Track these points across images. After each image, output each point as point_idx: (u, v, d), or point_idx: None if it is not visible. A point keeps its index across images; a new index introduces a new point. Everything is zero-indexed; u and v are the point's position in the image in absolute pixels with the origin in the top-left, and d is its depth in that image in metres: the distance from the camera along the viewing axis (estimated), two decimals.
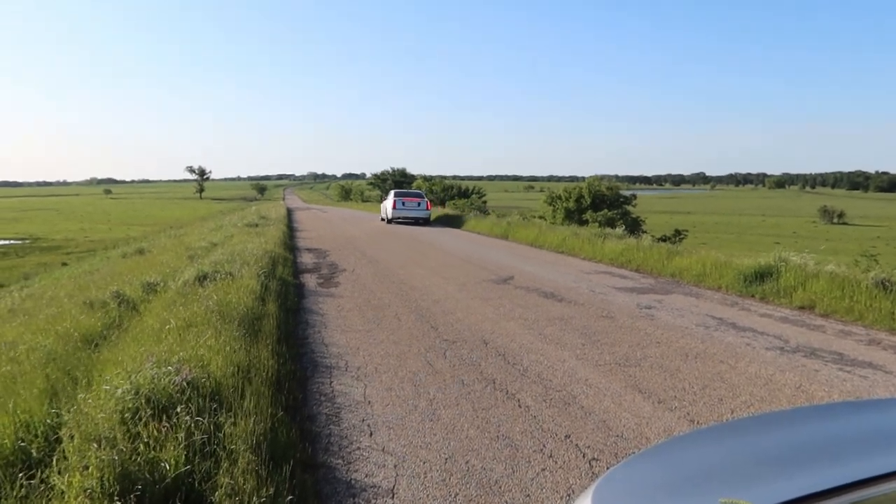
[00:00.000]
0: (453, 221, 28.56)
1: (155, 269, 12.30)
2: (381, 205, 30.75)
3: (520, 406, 5.10)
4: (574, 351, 6.73)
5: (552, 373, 5.98)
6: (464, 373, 6.02)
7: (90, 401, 4.16)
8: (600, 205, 37.34)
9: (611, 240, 15.52)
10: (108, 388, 4.37)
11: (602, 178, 41.01)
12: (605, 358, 6.44)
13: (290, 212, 39.50)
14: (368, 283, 11.37)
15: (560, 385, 5.61)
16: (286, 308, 8.86)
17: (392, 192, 29.24)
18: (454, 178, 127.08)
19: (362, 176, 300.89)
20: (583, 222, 33.17)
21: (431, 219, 27.63)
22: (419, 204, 28.18)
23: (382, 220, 29.32)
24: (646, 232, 25.92)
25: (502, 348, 6.88)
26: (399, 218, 27.84)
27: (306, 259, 15.53)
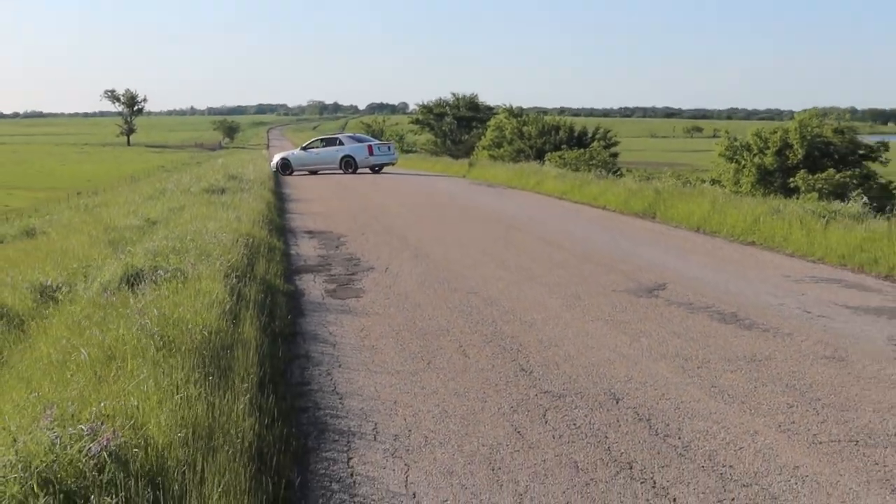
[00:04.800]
0: (554, 186, 28.54)
1: (54, 262, 12.71)
2: (313, 151, 42.08)
3: None
4: (774, 417, 6.60)
5: (734, 454, 5.88)
6: (578, 449, 5.99)
7: None
8: (821, 160, 36.46)
9: (840, 223, 15.14)
10: None
11: (825, 113, 40.05)
12: (831, 432, 6.29)
13: (280, 168, 40.19)
14: (413, 292, 11.45)
15: (748, 475, 5.52)
16: (273, 332, 9.01)
17: (346, 136, 44.78)
18: (562, 112, 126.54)
19: (402, 109, 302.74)
20: (790, 191, 32.53)
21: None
22: (389, 148, 44.25)
23: (284, 170, 40.79)
24: None
25: (645, 408, 6.81)
26: (371, 165, 41.26)
27: (307, 249, 15.75)
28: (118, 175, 59.62)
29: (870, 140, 40.18)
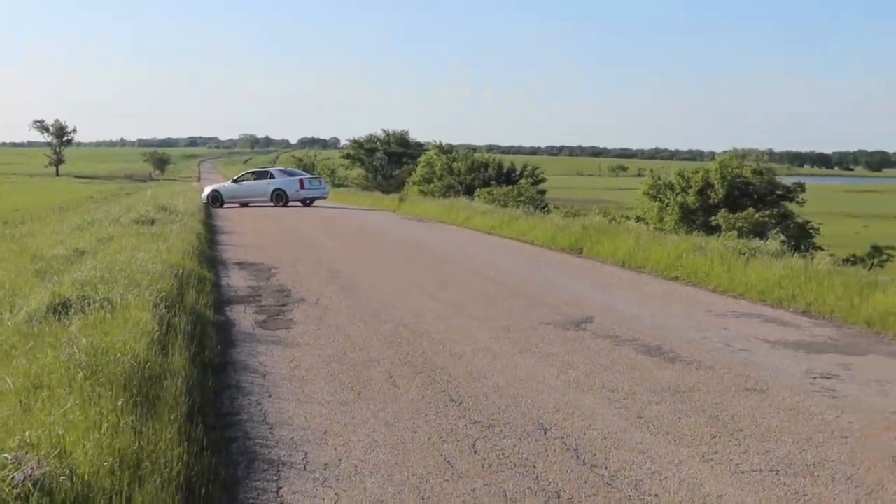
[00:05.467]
0: (482, 222, 28.69)
1: None
2: (242, 184, 42.44)
3: None
4: (697, 447, 6.67)
5: (660, 483, 5.93)
6: (507, 479, 5.99)
7: None
8: (741, 200, 37.25)
9: (760, 260, 15.41)
10: None
11: (744, 154, 40.87)
12: (752, 461, 6.38)
13: (211, 200, 39.88)
14: (343, 324, 11.40)
15: None
16: (203, 362, 8.90)
17: (277, 170, 45.69)
18: (490, 149, 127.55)
19: (333, 143, 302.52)
20: (711, 228, 33.11)
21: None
22: (320, 182, 45.38)
23: (215, 202, 40.42)
24: (820, 248, 25.80)
25: (573, 438, 6.84)
26: (302, 198, 41.41)
27: (238, 280, 15.62)
28: (46, 205, 58.50)
29: (787, 181, 41.13)
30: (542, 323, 11.53)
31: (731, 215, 35.40)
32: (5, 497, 4.28)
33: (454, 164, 56.28)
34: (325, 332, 10.93)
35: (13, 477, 4.39)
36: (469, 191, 49.79)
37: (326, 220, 31.80)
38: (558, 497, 5.69)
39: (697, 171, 39.20)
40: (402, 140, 78.26)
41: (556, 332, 10.98)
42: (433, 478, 6.01)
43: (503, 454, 6.50)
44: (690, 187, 38.25)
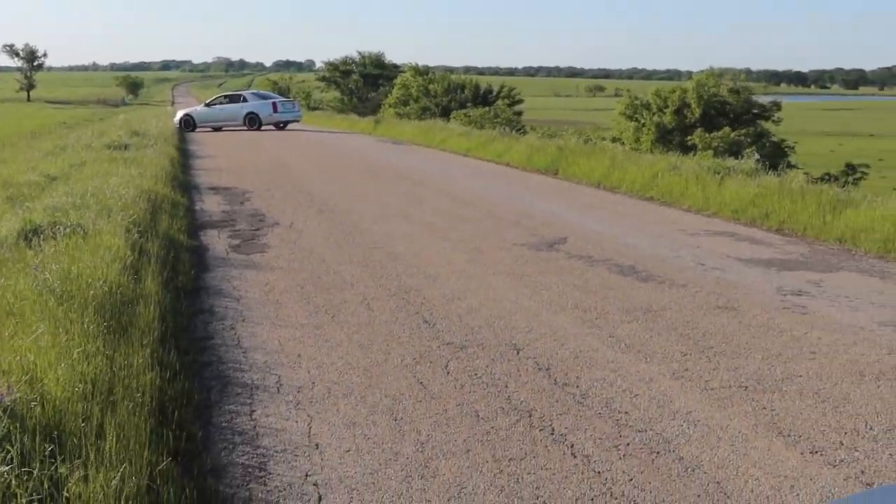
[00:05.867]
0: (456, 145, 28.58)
1: None
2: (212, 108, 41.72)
3: (574, 456, 5.13)
4: (668, 365, 6.73)
5: (630, 400, 5.99)
6: (479, 399, 6.04)
7: None
8: (717, 119, 37.21)
9: (734, 179, 15.44)
10: None
11: (721, 73, 40.67)
12: (722, 378, 6.45)
13: (183, 124, 39.47)
14: (317, 247, 11.40)
15: (643, 421, 5.63)
16: (176, 287, 8.91)
17: (250, 93, 46.16)
18: (467, 71, 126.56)
19: (308, 66, 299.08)
20: (687, 148, 33.07)
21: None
22: (293, 105, 44.69)
23: (187, 126, 39.63)
24: (795, 166, 25.86)
25: (545, 358, 6.89)
26: (275, 122, 40.86)
27: (211, 205, 15.54)
28: (17, 131, 57.72)
29: (764, 100, 41.03)
30: (516, 244, 11.54)
31: (708, 135, 35.37)
32: None
33: (430, 86, 55.86)
34: (300, 255, 10.91)
35: None
36: (445, 113, 49.51)
37: (301, 144, 31.58)
38: (530, 416, 5.74)
39: (674, 91, 39.04)
40: (377, 62, 77.48)
41: (529, 252, 11.00)
42: (406, 399, 6.05)
43: (476, 375, 6.54)
44: (667, 107, 38.12)
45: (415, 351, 7.11)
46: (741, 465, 5.02)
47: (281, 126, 40.64)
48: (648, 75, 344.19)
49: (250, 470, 5.00)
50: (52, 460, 4.15)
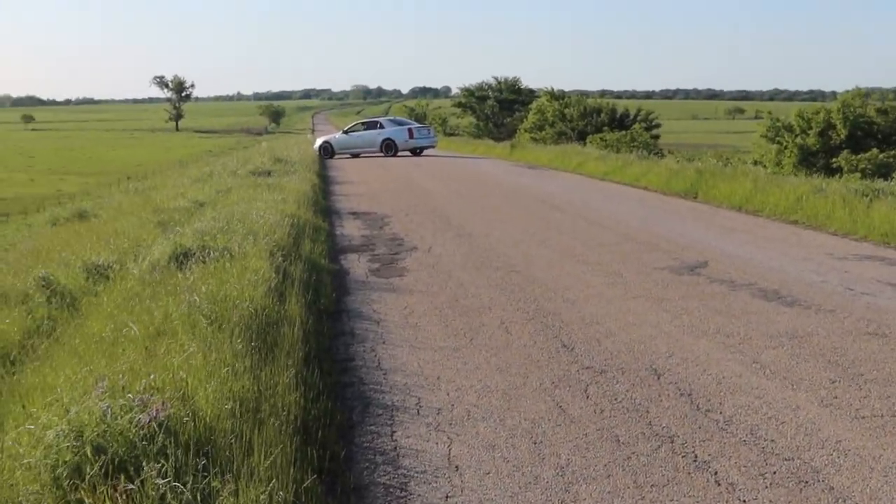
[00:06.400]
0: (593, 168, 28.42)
1: (105, 242, 12.87)
2: (350, 134, 42.48)
3: (718, 484, 5.04)
4: (816, 392, 6.54)
5: (776, 428, 5.84)
6: (619, 423, 5.99)
7: (3, 449, 4.41)
8: (865, 140, 36.07)
9: (884, 201, 14.94)
10: (31, 427, 4.60)
11: (868, 93, 39.45)
12: (874, 406, 6.23)
13: (322, 151, 40.37)
14: (456, 271, 11.47)
15: (790, 449, 5.49)
16: (318, 309, 9.11)
17: (386, 119, 46.68)
18: (603, 94, 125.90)
19: (444, 92, 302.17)
20: (832, 171, 32.19)
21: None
22: (429, 131, 44.58)
23: (326, 153, 40.69)
24: None
25: (687, 383, 6.79)
26: (411, 148, 40.97)
27: (351, 229, 15.82)
28: (167, 159, 60.16)
29: None
30: (656, 268, 11.40)
31: (854, 156, 34.35)
32: (132, 437, 4.45)
33: (566, 111, 55.80)
34: (438, 279, 11.01)
35: (139, 418, 4.55)
36: (581, 137, 49.39)
37: (438, 169, 31.89)
38: (672, 441, 5.66)
39: (818, 112, 38.03)
40: (513, 87, 77.80)
41: (670, 276, 10.85)
42: (545, 423, 6.04)
43: (616, 399, 6.48)
44: (811, 128, 37.16)
45: (553, 374, 7.09)
46: (895, 496, 4.84)
47: (417, 152, 41.09)
48: (790, 96, 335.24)
49: (391, 490, 5.06)
50: (205, 474, 4.29)
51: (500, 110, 77.44)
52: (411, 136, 41.11)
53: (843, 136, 36.32)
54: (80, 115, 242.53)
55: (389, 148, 39.98)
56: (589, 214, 17.38)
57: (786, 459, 5.35)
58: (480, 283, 10.72)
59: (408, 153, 40.43)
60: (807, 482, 5.04)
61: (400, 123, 43.91)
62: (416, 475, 5.25)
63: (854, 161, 33.80)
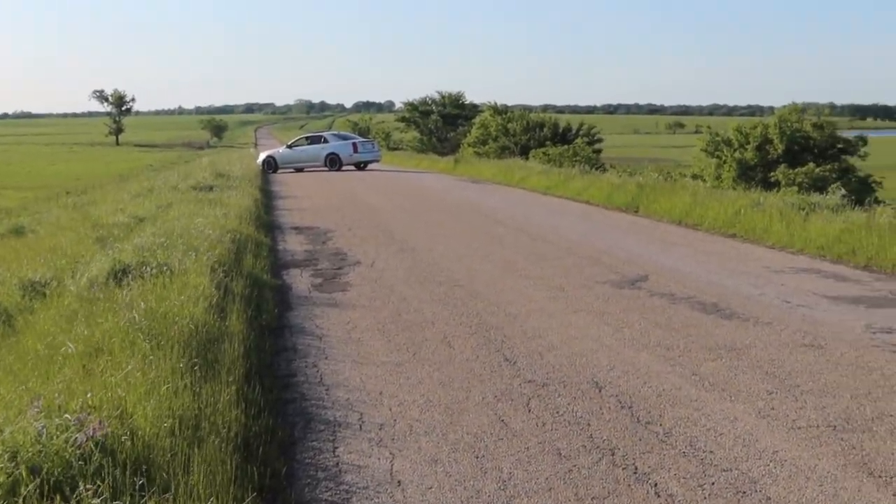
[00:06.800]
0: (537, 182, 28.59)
1: (42, 258, 12.71)
2: (286, 150, 42.83)
3: (658, 496, 5.08)
4: (753, 403, 6.63)
5: (715, 440, 5.91)
6: (561, 437, 6.01)
7: None
8: (801, 155, 36.68)
9: (820, 215, 15.20)
10: None
11: (804, 108, 40.20)
12: (809, 417, 6.33)
13: (266, 166, 40.20)
14: (399, 286, 11.47)
15: (728, 460, 5.55)
16: (260, 325, 9.05)
17: (331, 134, 46.71)
18: (546, 109, 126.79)
19: (388, 107, 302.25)
20: (770, 185, 32.66)
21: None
22: (373, 146, 45.44)
23: (269, 168, 40.87)
24: (884, 202, 25.31)
25: (627, 396, 6.84)
26: (356, 162, 41.39)
27: (294, 244, 15.76)
28: (107, 174, 59.48)
29: (849, 135, 40.37)
30: (598, 282, 11.49)
31: (791, 171, 34.90)
32: (68, 457, 4.39)
33: (509, 125, 56.10)
34: (381, 293, 11.00)
35: (76, 438, 4.49)
36: (524, 151, 49.64)
37: (381, 184, 31.89)
38: (612, 454, 5.70)
39: (756, 127, 38.62)
40: (456, 102, 78.12)
41: (611, 290, 10.95)
42: (487, 437, 6.05)
43: (557, 412, 6.52)
44: (749, 143, 37.71)
45: (496, 388, 7.11)
46: None
47: (361, 166, 41.08)
48: (729, 111, 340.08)
49: None
50: (142, 494, 4.24)
51: (444, 125, 77.73)
52: (356, 151, 41.33)
53: (780, 151, 36.91)
54: (17, 129, 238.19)
55: (334, 162, 39.97)
56: (531, 229, 17.48)
57: (724, 470, 5.42)
58: (423, 297, 10.73)
59: (352, 167, 40.39)
60: (744, 492, 5.10)
61: (344, 138, 44.09)
62: (358, 491, 5.24)
63: (791, 175, 34.35)
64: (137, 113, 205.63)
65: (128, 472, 4.38)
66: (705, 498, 5.04)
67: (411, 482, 5.33)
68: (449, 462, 5.61)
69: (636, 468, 5.47)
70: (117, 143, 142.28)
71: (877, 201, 24.48)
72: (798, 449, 5.74)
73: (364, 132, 78.45)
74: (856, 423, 6.20)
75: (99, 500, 4.05)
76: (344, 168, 39.73)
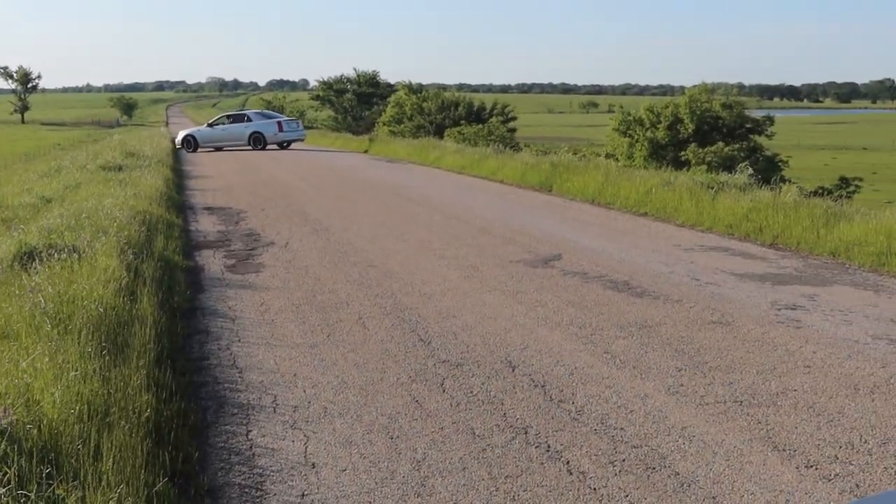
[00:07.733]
0: (452, 162, 28.65)
1: None
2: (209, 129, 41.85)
3: (570, 473, 5.15)
4: (663, 380, 6.75)
5: (625, 417, 6.01)
6: (475, 416, 6.06)
7: None
8: (711, 134, 37.24)
9: (728, 194, 15.50)
10: None
11: (714, 88, 40.76)
12: (717, 393, 6.47)
13: (185, 145, 39.59)
14: (313, 266, 11.41)
15: (638, 437, 5.65)
16: (172, 308, 8.92)
17: (254, 112, 45.65)
18: (461, 88, 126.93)
19: (302, 85, 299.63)
20: (681, 164, 33.15)
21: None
22: (298, 125, 44.92)
23: (189, 147, 40.27)
24: (789, 181, 25.92)
25: (540, 375, 6.91)
26: (279, 141, 41.13)
27: (206, 225, 15.56)
28: (12, 153, 57.77)
29: (757, 114, 41.08)
30: (511, 261, 11.57)
31: (701, 150, 35.38)
32: None
33: (424, 104, 55.90)
34: (295, 274, 10.94)
35: None
36: (439, 130, 49.56)
37: (295, 163, 31.63)
38: (525, 433, 5.76)
39: (667, 106, 39.03)
40: (371, 81, 77.73)
41: (524, 269, 11.03)
42: (402, 417, 6.07)
43: (471, 392, 6.56)
44: (660, 122, 38.11)
45: (410, 369, 7.13)
46: (736, 479, 5.04)
47: (285, 145, 40.78)
48: (641, 91, 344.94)
49: (247, 490, 5.02)
50: (50, 482, 4.16)
51: (359, 104, 77.25)
52: (280, 130, 41.02)
53: (690, 130, 37.38)
54: None
55: (258, 141, 39.61)
56: (446, 208, 17.52)
57: (634, 447, 5.51)
58: (338, 278, 10.70)
59: (275, 147, 39.97)
60: (654, 468, 5.20)
61: (268, 117, 43.63)
62: (271, 474, 5.22)
63: (701, 154, 34.83)
64: (44, 90, 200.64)
65: (34, 460, 4.29)
66: (616, 474, 5.13)
67: (325, 464, 5.32)
68: (363, 443, 5.62)
69: (549, 446, 5.54)
70: (23, 122, 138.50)
71: (783, 180, 25.04)
72: (706, 424, 5.86)
73: (278, 110, 77.53)
74: (761, 398, 6.35)
75: (4, 490, 3.96)
76: (268, 147, 39.29)
